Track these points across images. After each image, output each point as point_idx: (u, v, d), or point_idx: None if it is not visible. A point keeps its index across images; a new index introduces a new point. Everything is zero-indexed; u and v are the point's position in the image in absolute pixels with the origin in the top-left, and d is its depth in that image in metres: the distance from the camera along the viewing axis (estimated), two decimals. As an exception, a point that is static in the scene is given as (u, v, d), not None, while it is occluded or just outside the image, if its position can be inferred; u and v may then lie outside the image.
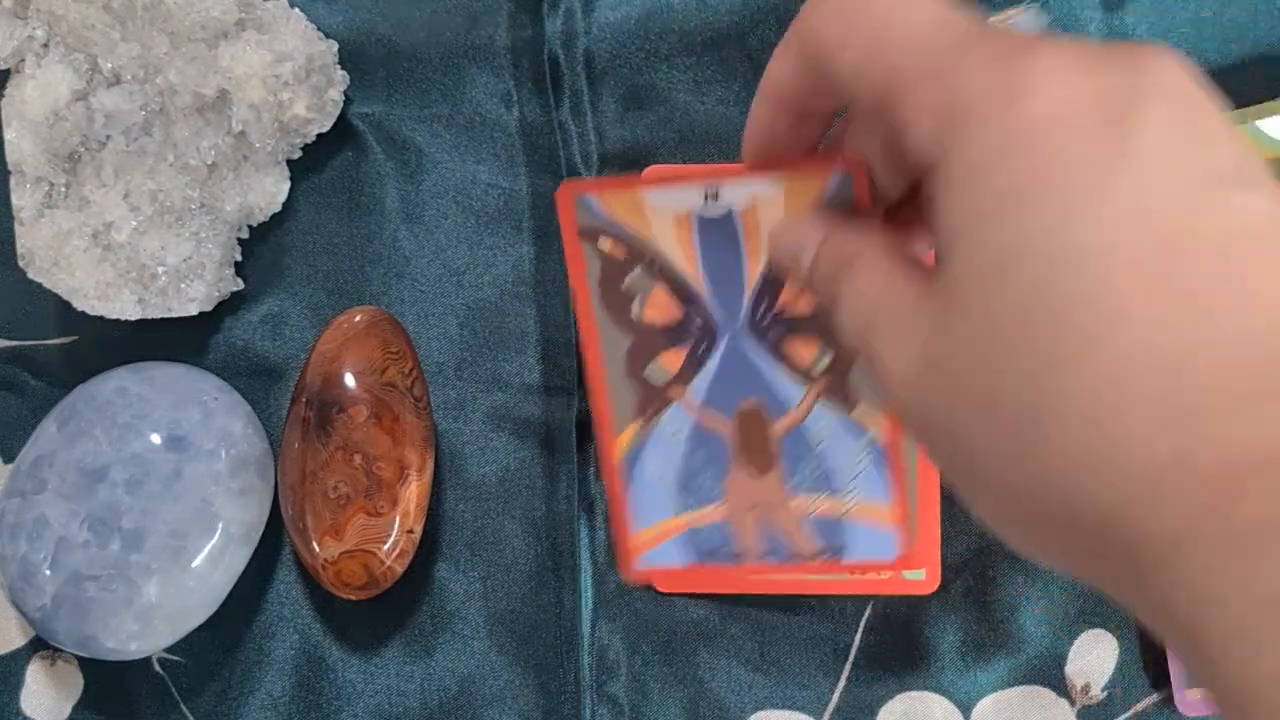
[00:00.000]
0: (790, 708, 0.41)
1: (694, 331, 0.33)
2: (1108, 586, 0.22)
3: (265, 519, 0.39)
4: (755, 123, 0.29)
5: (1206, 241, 0.21)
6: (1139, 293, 0.20)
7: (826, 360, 0.32)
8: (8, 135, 0.38)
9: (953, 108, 0.22)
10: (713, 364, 0.33)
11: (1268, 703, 0.18)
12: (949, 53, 0.23)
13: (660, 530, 0.40)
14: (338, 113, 0.41)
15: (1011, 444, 0.22)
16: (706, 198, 0.33)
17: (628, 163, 0.42)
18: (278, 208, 0.41)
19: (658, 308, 0.32)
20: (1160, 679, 0.41)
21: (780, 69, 0.27)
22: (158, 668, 0.41)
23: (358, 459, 0.38)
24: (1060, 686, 0.41)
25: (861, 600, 0.42)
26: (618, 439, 0.37)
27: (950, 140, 0.22)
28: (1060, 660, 0.41)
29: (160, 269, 0.39)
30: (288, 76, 0.39)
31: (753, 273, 0.32)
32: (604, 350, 0.34)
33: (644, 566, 0.39)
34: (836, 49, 0.25)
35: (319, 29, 0.41)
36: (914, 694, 0.41)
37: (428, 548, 0.41)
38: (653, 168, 0.40)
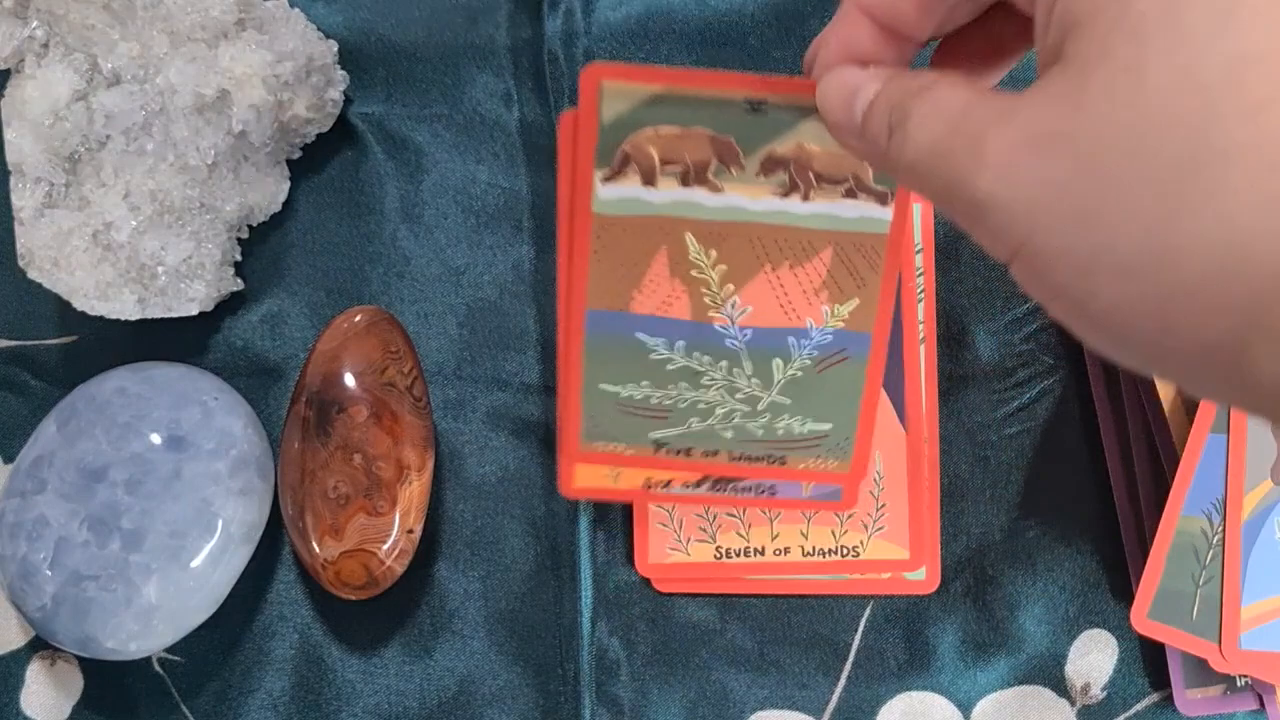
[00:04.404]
0: (790, 708, 0.41)
1: None
2: (1232, 384, 0.20)
3: (265, 519, 0.39)
4: (837, 33, 0.28)
5: None
6: None
7: None
8: (8, 135, 0.38)
9: None
10: None
11: None
12: None
13: (1272, 607, 0.40)
14: (338, 113, 0.41)
15: (1163, 205, 0.20)
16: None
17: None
18: (277, 208, 0.41)
19: None
20: (1160, 679, 0.41)
21: None
22: (157, 668, 0.41)
23: (357, 459, 0.38)
24: (1060, 686, 0.41)
25: (861, 600, 0.42)
26: (1246, 496, 0.37)
27: None
28: (1060, 660, 0.41)
29: (160, 269, 0.39)
30: (288, 76, 0.39)
31: None
32: None
33: (1248, 647, 0.39)
34: None
35: (319, 29, 0.41)
36: (914, 694, 0.41)
37: (427, 547, 0.41)
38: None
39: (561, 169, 0.35)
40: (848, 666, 0.41)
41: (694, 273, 0.36)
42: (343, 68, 0.41)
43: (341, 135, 0.42)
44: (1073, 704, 0.41)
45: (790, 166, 0.35)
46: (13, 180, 0.38)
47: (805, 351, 0.37)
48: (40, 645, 0.41)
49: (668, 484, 0.39)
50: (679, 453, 0.39)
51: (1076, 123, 0.21)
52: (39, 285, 0.38)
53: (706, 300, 0.37)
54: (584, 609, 0.41)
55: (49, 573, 0.37)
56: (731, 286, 0.36)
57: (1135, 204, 0.20)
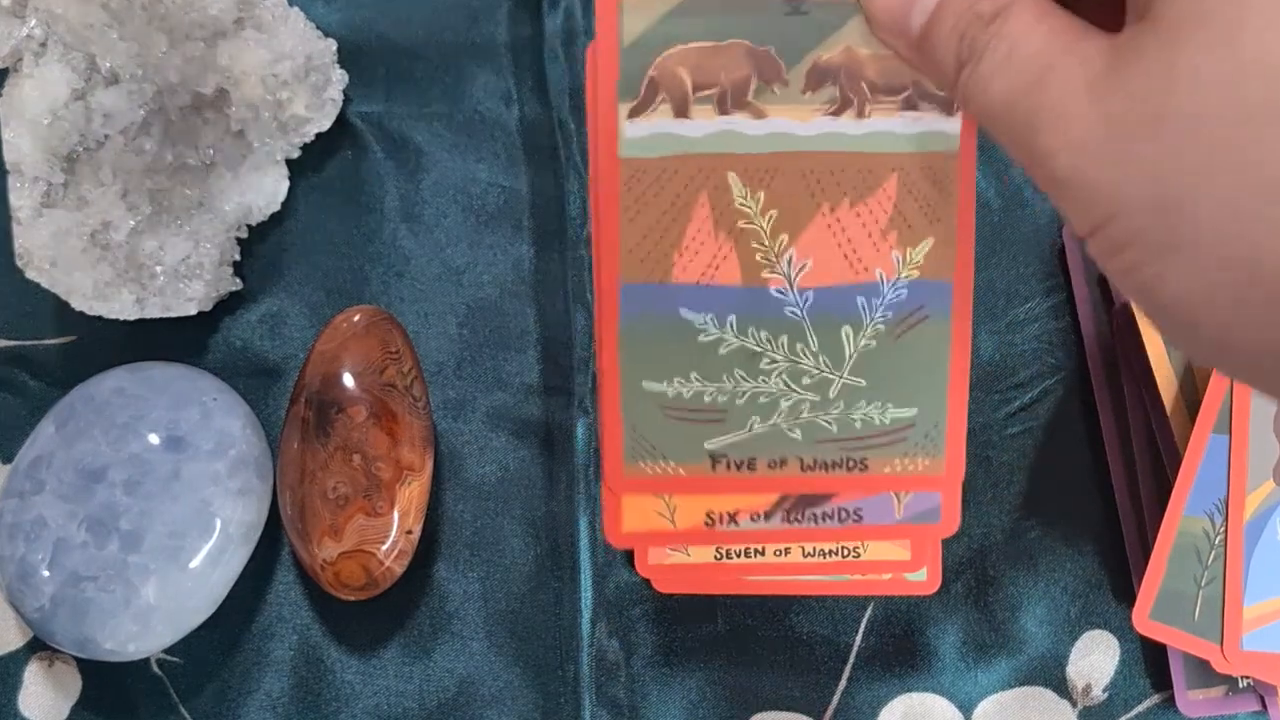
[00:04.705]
0: (790, 709, 0.41)
1: None
2: None
3: (264, 519, 0.39)
4: None
5: None
6: None
7: None
8: (6, 135, 0.38)
9: None
10: None
11: None
12: None
13: (1274, 608, 0.39)
14: (337, 112, 0.41)
15: (1251, 202, 0.19)
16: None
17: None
18: (276, 207, 0.41)
19: None
20: (1161, 680, 0.41)
21: None
22: (156, 669, 0.41)
23: (357, 459, 0.38)
24: (1061, 687, 0.41)
25: (862, 601, 0.42)
26: (1248, 496, 0.36)
27: None
28: (1061, 661, 0.41)
29: (158, 268, 0.39)
30: (286, 75, 0.39)
31: None
32: (1253, 400, 0.33)
33: (1250, 648, 0.38)
34: None
35: (318, 27, 0.41)
36: (915, 695, 0.41)
37: (427, 548, 0.41)
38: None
39: (589, 112, 0.31)
40: (848, 667, 0.41)
41: (741, 223, 0.31)
42: (342, 66, 0.41)
43: (341, 134, 0.42)
44: (1074, 705, 0.41)
45: (840, 77, 0.30)
46: (10, 180, 0.38)
47: (879, 313, 0.32)
48: (38, 646, 0.41)
49: (734, 517, 0.33)
50: (740, 466, 0.33)
51: (1167, 104, 0.19)
52: (37, 285, 0.38)
53: (759, 257, 0.31)
54: (584, 609, 0.41)
55: (47, 574, 0.37)
56: (786, 237, 0.31)
57: (1222, 198, 0.19)
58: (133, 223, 0.38)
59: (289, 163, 0.41)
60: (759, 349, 0.32)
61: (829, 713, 0.41)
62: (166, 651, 0.41)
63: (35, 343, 0.42)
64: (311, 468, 0.38)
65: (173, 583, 0.37)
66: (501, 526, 0.41)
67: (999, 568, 0.41)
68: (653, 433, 0.32)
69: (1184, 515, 0.39)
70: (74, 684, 0.41)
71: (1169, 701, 0.41)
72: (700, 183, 0.31)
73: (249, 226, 0.41)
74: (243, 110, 0.39)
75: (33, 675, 0.41)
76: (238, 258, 0.41)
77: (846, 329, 0.32)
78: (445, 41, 0.42)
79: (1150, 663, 0.41)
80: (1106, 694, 0.41)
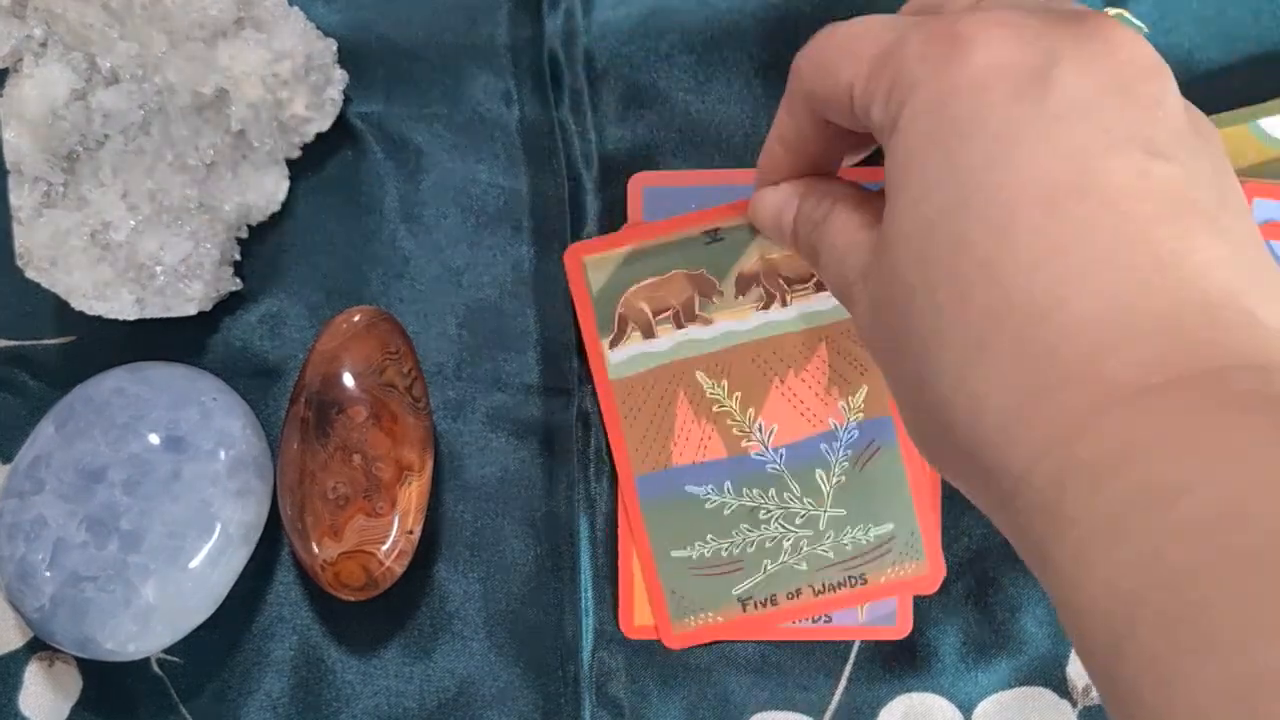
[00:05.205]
0: (790, 709, 0.41)
1: None
2: (991, 512, 0.24)
3: (264, 519, 0.39)
4: (761, 160, 0.33)
5: (1094, 200, 0.22)
6: (1022, 243, 0.22)
7: None
8: (6, 135, 0.38)
9: (898, 83, 0.25)
10: None
11: (1100, 611, 0.20)
12: (895, 44, 0.26)
13: None
14: (337, 112, 0.41)
15: (916, 373, 0.24)
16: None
17: (628, 162, 0.41)
18: (276, 207, 0.41)
19: None
20: (1161, 680, 0.41)
21: (783, 120, 0.31)
22: (156, 668, 0.41)
23: (357, 459, 0.38)
24: (1062, 687, 0.41)
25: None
26: None
27: (897, 107, 0.25)
28: (1061, 661, 0.41)
29: (158, 268, 0.39)
30: (286, 75, 0.39)
31: None
32: None
33: None
34: (817, 80, 0.28)
35: (318, 27, 0.41)
36: (915, 695, 0.41)
37: (427, 548, 0.41)
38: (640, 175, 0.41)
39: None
40: (848, 668, 0.41)
41: (715, 408, 0.39)
42: (342, 67, 0.41)
43: (341, 135, 0.42)
44: (1074, 705, 0.41)
45: (760, 279, 0.38)
46: (11, 180, 0.38)
47: (841, 453, 0.39)
48: (39, 646, 0.41)
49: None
50: (765, 604, 0.39)
51: (883, 288, 0.26)
52: (37, 285, 0.38)
53: (735, 431, 0.39)
54: (584, 609, 0.41)
55: (47, 573, 0.37)
56: (752, 410, 0.39)
57: (905, 368, 0.25)
58: (133, 223, 0.38)
59: (289, 163, 0.41)
60: (754, 504, 0.39)
61: (829, 713, 0.41)
62: (166, 651, 0.41)
63: (35, 343, 0.42)
64: (311, 468, 0.38)
65: (173, 583, 0.37)
66: (501, 527, 0.41)
67: (999, 568, 0.41)
68: (689, 592, 0.39)
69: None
70: (74, 684, 0.41)
71: (1169, 702, 0.41)
72: (676, 384, 0.39)
73: (249, 226, 0.41)
74: (243, 110, 0.39)
75: (33, 675, 0.41)
76: (238, 258, 0.41)
77: (819, 471, 0.39)
78: (445, 42, 0.42)
79: (1150, 663, 0.41)
80: (1106, 694, 0.41)
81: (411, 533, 0.39)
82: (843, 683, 0.41)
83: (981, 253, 0.23)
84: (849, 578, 0.39)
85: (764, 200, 0.33)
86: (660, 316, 0.39)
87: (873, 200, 0.30)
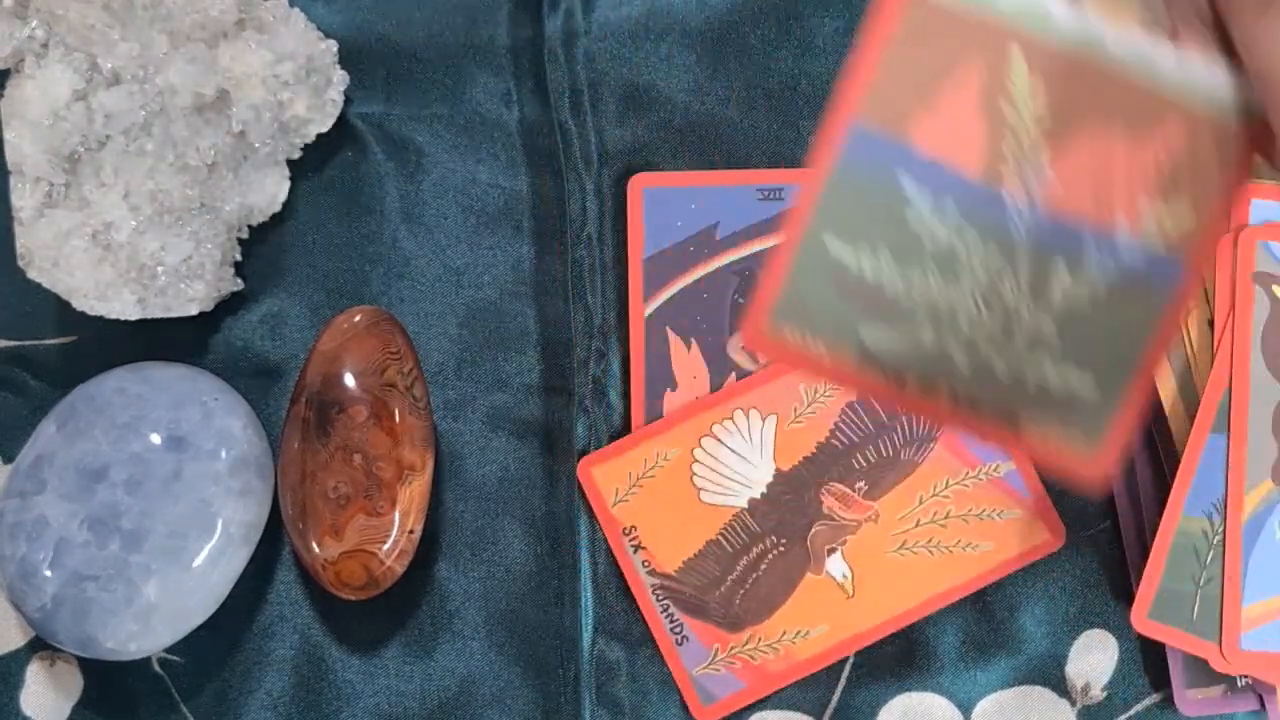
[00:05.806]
0: (790, 708, 0.41)
1: None
2: None
3: (265, 519, 0.39)
4: None
5: None
6: None
7: None
8: (7, 135, 0.38)
9: None
10: None
11: None
12: None
13: (1273, 608, 0.37)
14: (337, 112, 0.41)
15: None
16: None
17: (628, 162, 0.41)
18: (277, 208, 0.41)
19: None
20: (1160, 679, 0.41)
21: None
22: (157, 668, 0.41)
23: (357, 459, 0.38)
24: (1060, 686, 0.41)
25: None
26: (1246, 496, 0.35)
27: None
28: (1060, 660, 0.41)
29: (160, 269, 0.39)
30: (287, 76, 0.39)
31: None
32: (1251, 400, 0.31)
33: (1249, 647, 0.37)
34: None
35: (319, 28, 0.41)
36: (914, 694, 0.41)
37: (428, 548, 0.41)
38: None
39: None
40: (848, 667, 0.41)
41: (1005, 108, 0.28)
42: (342, 68, 0.41)
43: (341, 135, 0.42)
44: (1073, 704, 0.41)
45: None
46: (12, 180, 0.38)
47: (1102, 264, 0.28)
48: (40, 645, 0.41)
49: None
50: (888, 374, 0.29)
51: None
52: (38, 285, 0.38)
53: (1006, 153, 0.28)
54: (584, 609, 0.41)
55: (49, 573, 0.37)
56: (1044, 144, 0.28)
57: None
58: (134, 223, 0.38)
59: (290, 163, 0.41)
60: (963, 252, 0.28)
61: (829, 712, 0.41)
62: (168, 651, 0.41)
63: (36, 343, 0.42)
64: (312, 468, 0.38)
65: (174, 582, 0.37)
66: (502, 526, 0.41)
67: (998, 567, 0.41)
68: (813, 294, 0.29)
69: (1183, 515, 0.39)
70: (75, 683, 0.41)
71: (1167, 700, 0.41)
72: (981, 50, 0.28)
73: (250, 227, 0.41)
74: (244, 111, 0.39)
75: (34, 674, 0.41)
76: (239, 258, 0.41)
77: (1062, 267, 0.28)
78: (445, 43, 0.42)
79: (1149, 662, 0.41)
80: (1105, 693, 0.41)
81: (412, 532, 0.39)
82: (842, 682, 0.41)
83: None
84: (1002, 409, 0.29)
85: None
86: None
87: None
